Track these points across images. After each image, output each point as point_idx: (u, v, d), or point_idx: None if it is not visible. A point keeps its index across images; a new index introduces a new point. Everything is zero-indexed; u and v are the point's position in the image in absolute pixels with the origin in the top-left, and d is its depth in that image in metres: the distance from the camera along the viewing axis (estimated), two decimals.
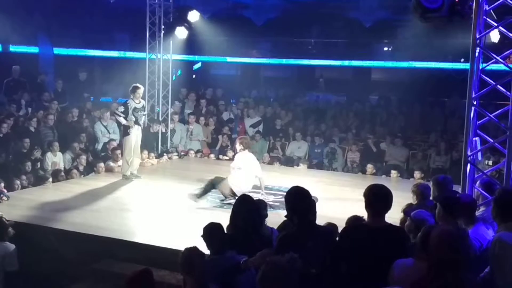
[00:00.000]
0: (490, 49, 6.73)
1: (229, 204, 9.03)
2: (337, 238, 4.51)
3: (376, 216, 4.26)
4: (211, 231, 4.52)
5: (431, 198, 6.12)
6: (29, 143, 11.65)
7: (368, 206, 4.28)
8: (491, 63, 6.79)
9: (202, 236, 4.54)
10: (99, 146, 13.09)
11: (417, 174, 11.63)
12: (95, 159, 12.28)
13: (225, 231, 4.86)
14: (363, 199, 4.35)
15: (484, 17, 6.48)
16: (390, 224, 4.35)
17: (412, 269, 3.90)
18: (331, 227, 5.32)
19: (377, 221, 4.25)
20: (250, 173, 9.31)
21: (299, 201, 4.41)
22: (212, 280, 4.19)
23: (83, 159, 11.87)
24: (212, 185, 9.33)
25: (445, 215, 4.75)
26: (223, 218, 5.01)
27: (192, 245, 4.25)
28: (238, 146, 9.53)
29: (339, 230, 4.73)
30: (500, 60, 6.54)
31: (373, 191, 4.29)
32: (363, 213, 5.04)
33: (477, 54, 6.51)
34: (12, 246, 6.91)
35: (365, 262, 4.07)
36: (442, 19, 6.57)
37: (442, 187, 5.91)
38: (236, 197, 9.12)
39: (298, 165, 13.25)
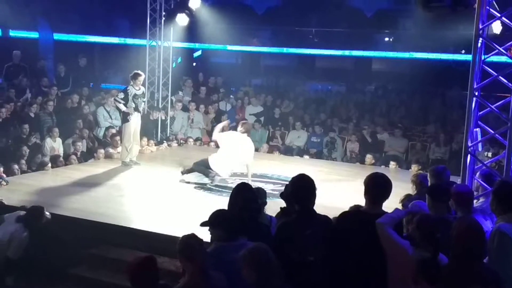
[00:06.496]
0: (491, 40, 6.69)
1: (219, 186, 9.42)
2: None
3: (374, 204, 4.28)
4: (223, 216, 4.42)
5: None
6: (28, 128, 11.60)
7: (366, 193, 4.30)
8: (493, 54, 6.76)
9: (210, 221, 4.41)
10: (101, 132, 13.03)
11: (414, 167, 11.33)
12: (97, 145, 12.23)
13: None
14: (362, 189, 4.35)
15: (487, 7, 6.42)
16: (387, 213, 4.35)
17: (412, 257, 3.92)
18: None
19: (374, 208, 4.27)
20: (234, 156, 9.44)
21: (304, 189, 4.39)
22: (216, 267, 4.10)
23: (80, 145, 11.83)
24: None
25: (434, 203, 4.79)
26: (222, 205, 4.98)
27: (190, 232, 4.21)
28: (239, 128, 9.71)
29: None
30: (503, 51, 6.51)
31: (373, 179, 4.31)
32: (362, 203, 5.05)
33: (479, 44, 6.47)
34: (24, 234, 6.72)
35: (359, 247, 4.10)
36: (445, 9, 6.54)
37: (439, 177, 5.89)
38: (212, 171, 9.36)
39: (302, 156, 13.19)
